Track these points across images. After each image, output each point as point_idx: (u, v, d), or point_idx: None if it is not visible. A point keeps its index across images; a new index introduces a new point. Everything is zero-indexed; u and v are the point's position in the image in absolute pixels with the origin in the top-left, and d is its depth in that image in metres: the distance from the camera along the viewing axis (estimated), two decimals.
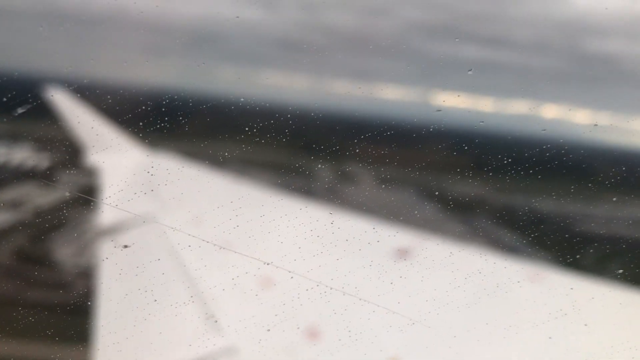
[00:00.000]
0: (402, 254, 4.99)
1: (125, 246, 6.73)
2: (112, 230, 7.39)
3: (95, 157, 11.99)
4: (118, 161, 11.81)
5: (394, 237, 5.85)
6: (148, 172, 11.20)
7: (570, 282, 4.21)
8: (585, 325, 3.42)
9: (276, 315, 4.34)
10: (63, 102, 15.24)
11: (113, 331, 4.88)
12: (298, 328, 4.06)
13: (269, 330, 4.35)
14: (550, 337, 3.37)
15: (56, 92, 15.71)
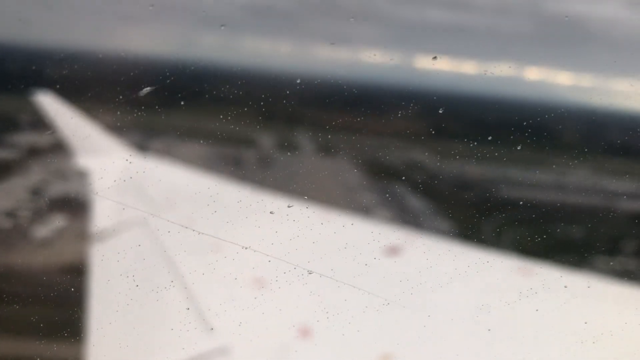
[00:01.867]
0: (393, 250, 4.97)
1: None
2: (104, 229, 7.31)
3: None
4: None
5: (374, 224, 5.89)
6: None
7: (543, 263, 4.24)
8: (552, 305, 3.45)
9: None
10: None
11: (104, 333, 4.83)
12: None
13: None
14: (520, 317, 3.41)
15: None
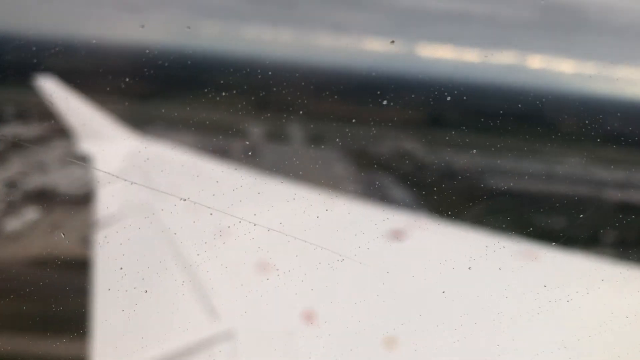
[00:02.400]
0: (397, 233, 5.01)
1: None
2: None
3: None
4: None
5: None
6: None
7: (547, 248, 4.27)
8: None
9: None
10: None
11: (107, 319, 4.88)
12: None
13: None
14: (523, 301, 3.46)
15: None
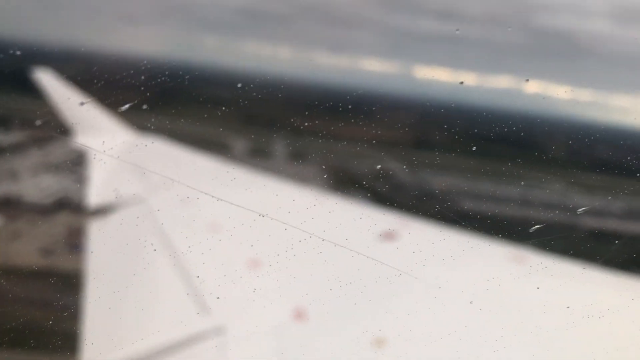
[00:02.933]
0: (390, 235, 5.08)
1: None
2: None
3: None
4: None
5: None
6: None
7: (544, 258, 4.33)
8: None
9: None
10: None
11: (100, 312, 4.88)
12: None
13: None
14: (516, 303, 3.51)
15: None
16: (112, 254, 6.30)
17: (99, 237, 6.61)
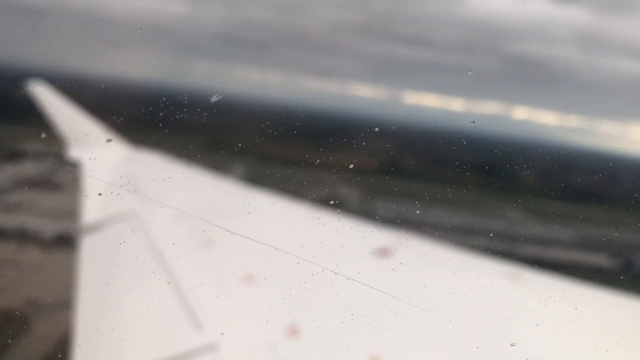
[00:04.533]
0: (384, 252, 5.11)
1: None
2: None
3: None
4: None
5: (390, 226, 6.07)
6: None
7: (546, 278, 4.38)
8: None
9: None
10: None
11: (92, 330, 4.82)
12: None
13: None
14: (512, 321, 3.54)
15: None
16: (105, 269, 6.23)
17: (92, 252, 6.55)
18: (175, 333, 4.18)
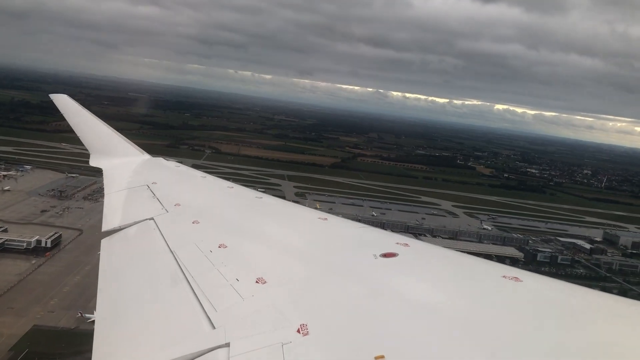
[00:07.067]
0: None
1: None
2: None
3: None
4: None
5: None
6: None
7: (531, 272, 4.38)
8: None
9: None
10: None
11: (106, 330, 4.97)
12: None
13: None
14: (510, 324, 3.57)
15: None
16: (121, 271, 6.39)
17: (109, 255, 6.73)
18: (187, 334, 4.30)
